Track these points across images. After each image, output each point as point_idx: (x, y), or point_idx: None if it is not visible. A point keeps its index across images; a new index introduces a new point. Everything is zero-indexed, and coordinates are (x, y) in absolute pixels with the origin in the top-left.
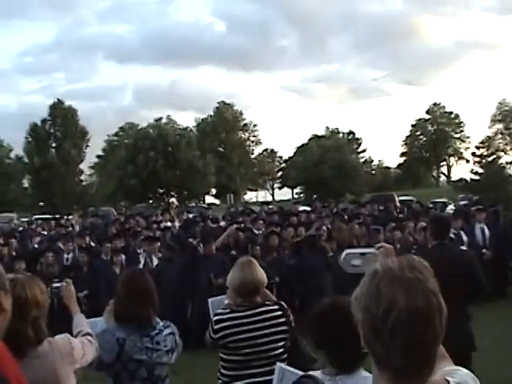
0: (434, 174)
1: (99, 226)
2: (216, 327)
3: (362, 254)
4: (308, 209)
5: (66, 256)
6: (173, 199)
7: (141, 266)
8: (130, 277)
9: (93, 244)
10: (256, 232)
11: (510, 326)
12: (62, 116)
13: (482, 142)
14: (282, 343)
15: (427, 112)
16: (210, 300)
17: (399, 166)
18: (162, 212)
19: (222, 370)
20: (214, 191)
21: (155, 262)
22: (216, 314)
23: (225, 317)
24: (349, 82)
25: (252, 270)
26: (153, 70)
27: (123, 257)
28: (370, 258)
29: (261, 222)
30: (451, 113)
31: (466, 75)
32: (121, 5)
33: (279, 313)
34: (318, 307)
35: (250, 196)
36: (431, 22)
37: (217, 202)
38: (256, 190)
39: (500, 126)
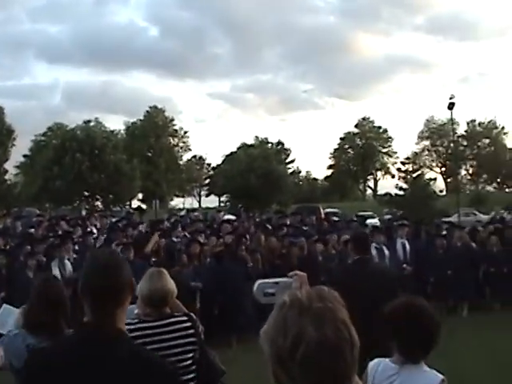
0: (361, 187)
1: (18, 228)
2: None
3: (276, 282)
4: (233, 217)
5: None
6: (98, 202)
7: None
8: (41, 285)
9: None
10: (174, 240)
11: None
12: None
13: (407, 158)
14: (190, 355)
15: (356, 126)
16: None
17: (326, 178)
18: (87, 216)
19: None
20: (140, 196)
21: (68, 266)
22: (125, 324)
23: (132, 327)
24: (280, 93)
25: (161, 280)
26: (84, 71)
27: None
28: (284, 286)
29: (180, 229)
30: (380, 127)
31: (396, 91)
32: (54, 4)
33: (188, 324)
34: (394, 304)
35: (177, 202)
36: (363, 38)
37: (144, 206)
38: (183, 197)
39: (427, 142)
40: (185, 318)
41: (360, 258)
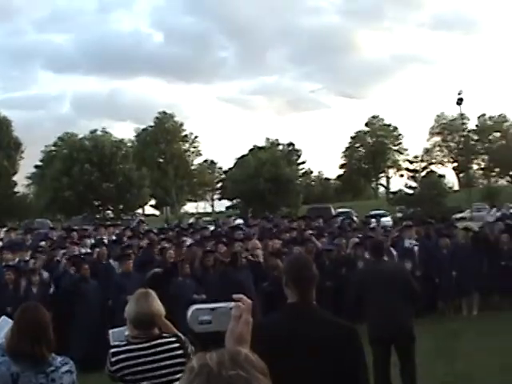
0: (374, 185)
1: (28, 241)
2: (113, 359)
3: (212, 309)
4: (241, 222)
5: None
6: (108, 211)
7: None
8: (23, 312)
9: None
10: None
11: (439, 340)
12: None
13: (415, 157)
14: (179, 375)
15: (366, 124)
16: (110, 331)
17: (339, 177)
18: (94, 228)
19: None
20: (153, 202)
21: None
22: (113, 347)
23: (121, 349)
24: (287, 94)
25: (148, 301)
26: (91, 79)
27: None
28: (222, 312)
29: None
30: (390, 125)
31: (404, 89)
32: (59, 14)
33: (176, 345)
34: None
35: (190, 207)
36: (368, 37)
37: (157, 212)
38: (196, 201)
39: (438, 138)
40: (173, 339)
41: (377, 260)
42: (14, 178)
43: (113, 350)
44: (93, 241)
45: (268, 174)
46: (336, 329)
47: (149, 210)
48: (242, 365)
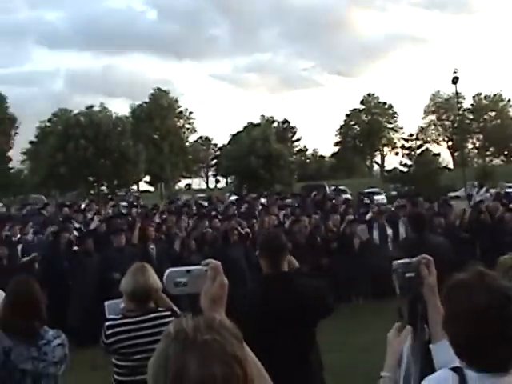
0: (368, 163)
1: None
2: (108, 332)
3: (188, 271)
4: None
5: None
6: (103, 187)
7: None
8: (15, 286)
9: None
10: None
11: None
12: None
13: (410, 135)
14: None
15: (361, 102)
16: (106, 303)
17: (333, 155)
18: (87, 203)
19: (115, 376)
20: (147, 178)
21: None
22: (108, 319)
23: (116, 322)
24: (280, 72)
25: (144, 275)
26: (85, 56)
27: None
28: (197, 274)
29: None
30: (385, 103)
31: (399, 67)
32: None
33: (171, 319)
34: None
35: (185, 183)
36: (361, 15)
37: (151, 189)
38: (190, 178)
39: (433, 117)
40: (168, 313)
41: (418, 235)
42: (9, 154)
43: (108, 323)
44: (89, 215)
45: (261, 150)
46: (306, 292)
47: (143, 186)
48: (218, 330)
